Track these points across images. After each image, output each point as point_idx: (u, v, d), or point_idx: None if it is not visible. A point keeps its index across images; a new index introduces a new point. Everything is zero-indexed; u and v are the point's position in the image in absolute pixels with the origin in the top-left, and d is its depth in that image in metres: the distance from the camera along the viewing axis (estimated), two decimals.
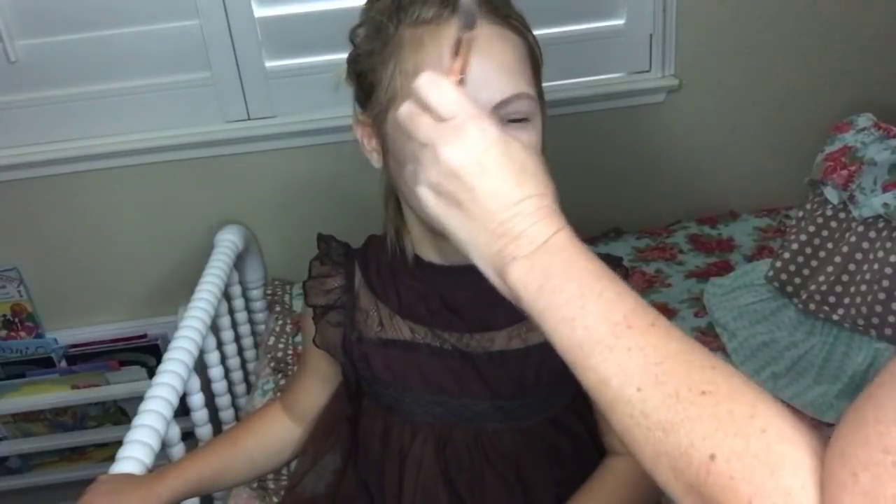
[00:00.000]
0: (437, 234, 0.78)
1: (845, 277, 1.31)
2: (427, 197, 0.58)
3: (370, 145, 0.80)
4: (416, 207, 0.65)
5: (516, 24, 0.75)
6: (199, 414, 1.27)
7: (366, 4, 0.78)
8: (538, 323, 0.55)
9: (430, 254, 0.82)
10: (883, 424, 0.42)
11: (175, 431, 1.09)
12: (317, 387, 0.96)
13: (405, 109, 0.59)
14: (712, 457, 0.46)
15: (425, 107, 0.57)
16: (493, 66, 0.70)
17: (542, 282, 0.54)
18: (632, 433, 0.50)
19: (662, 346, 0.50)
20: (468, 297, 0.81)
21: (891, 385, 0.43)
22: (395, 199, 0.83)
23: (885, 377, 0.44)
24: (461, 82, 0.60)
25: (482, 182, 0.55)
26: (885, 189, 1.30)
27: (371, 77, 0.76)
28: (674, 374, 0.49)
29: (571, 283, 0.53)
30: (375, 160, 0.80)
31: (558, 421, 0.86)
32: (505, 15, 0.74)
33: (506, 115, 0.71)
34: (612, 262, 0.83)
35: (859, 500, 0.42)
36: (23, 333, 1.80)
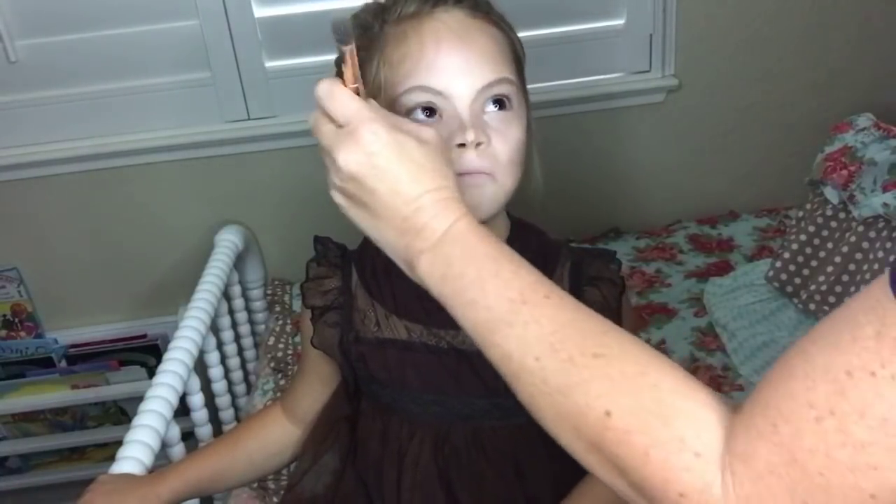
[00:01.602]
0: None
1: (845, 277, 1.31)
2: (338, 199, 0.62)
3: None
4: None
5: (496, 20, 0.77)
6: (199, 414, 1.27)
7: (354, 14, 0.79)
8: (448, 310, 0.59)
9: None
10: (811, 379, 0.43)
11: (175, 431, 1.09)
12: (316, 388, 0.96)
13: (312, 117, 0.62)
14: (607, 413, 0.49)
15: (327, 114, 0.60)
16: (476, 54, 0.73)
17: (444, 270, 0.57)
18: (535, 401, 0.53)
19: (556, 316, 0.54)
20: None
21: (823, 342, 0.44)
22: None
23: (819, 332, 0.45)
24: (358, 91, 0.62)
25: (380, 183, 0.58)
26: (885, 189, 1.30)
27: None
28: (567, 340, 0.52)
29: (470, 267, 0.56)
30: None
31: None
32: (485, 11, 0.76)
33: (489, 98, 0.73)
34: (606, 257, 0.84)
35: (775, 451, 0.44)
36: (23, 333, 1.80)
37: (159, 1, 1.53)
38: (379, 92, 0.74)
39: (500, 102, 0.74)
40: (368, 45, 0.76)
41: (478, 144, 0.71)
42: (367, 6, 0.78)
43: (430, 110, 0.73)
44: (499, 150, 0.73)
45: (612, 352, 0.51)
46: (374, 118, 0.59)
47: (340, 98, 0.60)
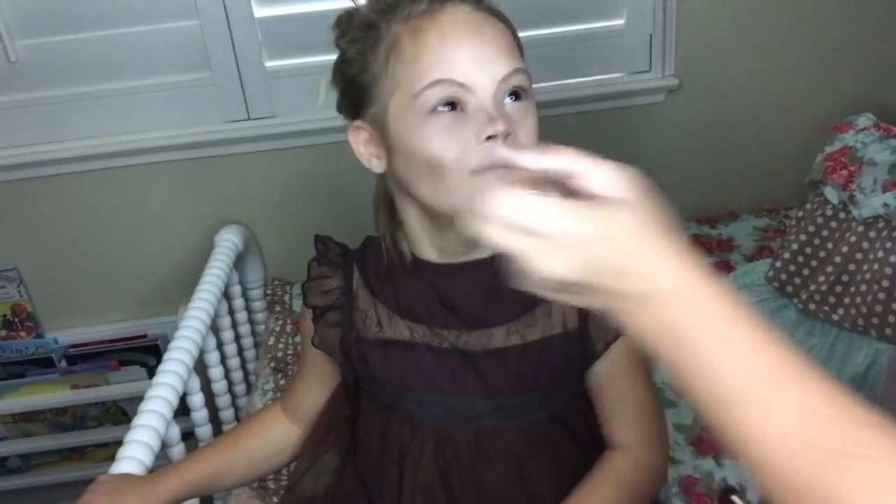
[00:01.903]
0: (442, 228, 0.78)
1: (845, 277, 1.31)
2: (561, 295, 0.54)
3: (367, 151, 0.79)
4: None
5: (500, 15, 0.77)
6: (199, 414, 1.27)
7: (343, 16, 0.78)
8: (675, 375, 0.51)
9: (428, 252, 0.82)
10: None
11: (175, 431, 1.09)
12: (316, 388, 0.96)
13: (497, 235, 0.52)
14: None
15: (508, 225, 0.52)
16: (492, 46, 0.73)
17: (678, 334, 0.50)
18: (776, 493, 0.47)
19: (812, 401, 0.47)
20: (466, 294, 0.81)
21: None
22: (389, 202, 0.83)
23: None
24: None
25: (603, 275, 0.51)
26: (885, 189, 1.30)
27: (365, 77, 0.76)
28: (826, 433, 0.45)
29: (711, 333, 0.49)
30: (376, 165, 0.79)
31: (558, 418, 0.86)
32: (487, 5, 0.76)
33: (508, 89, 0.73)
34: None
35: None
36: (23, 333, 1.80)
37: (159, 1, 1.53)
38: (396, 90, 0.73)
39: (516, 94, 0.74)
40: (375, 45, 0.74)
41: (506, 136, 0.70)
42: (368, 4, 0.77)
43: (453, 104, 0.71)
44: (522, 140, 0.72)
45: (876, 453, 0.44)
46: (579, 217, 0.51)
47: (537, 206, 0.51)
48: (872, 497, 0.43)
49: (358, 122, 0.78)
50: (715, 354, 0.49)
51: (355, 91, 0.77)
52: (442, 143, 0.71)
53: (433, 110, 0.71)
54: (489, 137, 0.70)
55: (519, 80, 0.74)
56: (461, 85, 0.71)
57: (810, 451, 0.45)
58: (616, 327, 0.79)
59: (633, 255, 0.51)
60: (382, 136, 0.76)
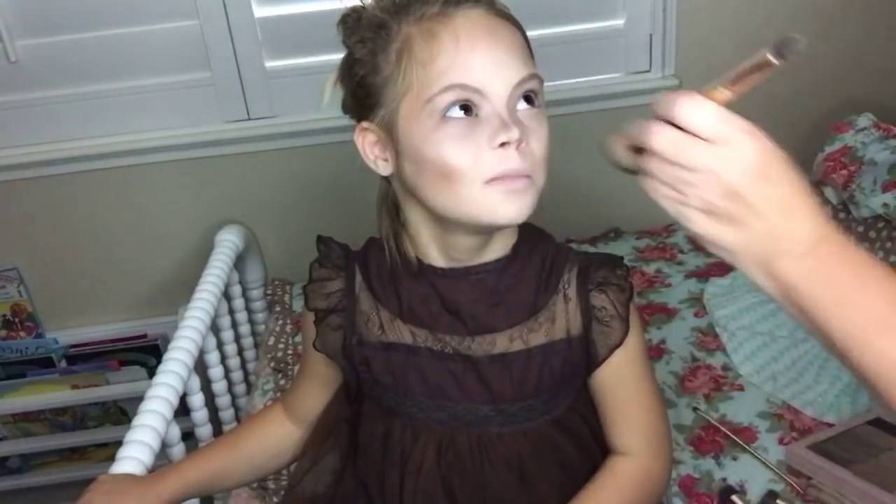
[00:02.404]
0: (449, 233, 0.78)
1: None
2: (698, 219, 0.58)
3: (373, 153, 0.78)
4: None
5: (513, 18, 0.76)
6: (199, 414, 1.27)
7: (350, 14, 0.77)
8: (809, 313, 0.56)
9: (432, 257, 0.82)
10: None
11: (175, 431, 1.09)
12: (317, 390, 0.95)
13: (665, 136, 0.57)
14: None
15: (686, 130, 0.57)
16: (506, 50, 0.72)
17: (819, 270, 0.56)
18: None
19: None
20: (469, 299, 0.81)
21: None
22: (393, 204, 0.82)
23: None
24: (726, 103, 0.59)
25: (764, 196, 0.56)
26: (884, 189, 1.30)
27: (375, 78, 0.74)
28: None
29: (849, 269, 0.56)
30: (383, 168, 0.78)
31: (560, 422, 0.86)
32: (500, 8, 0.76)
33: (522, 93, 0.73)
34: (613, 262, 0.83)
35: None
36: (23, 333, 1.80)
37: (159, 1, 1.53)
38: (408, 93, 0.72)
39: (529, 99, 0.73)
40: (385, 44, 0.73)
41: (519, 143, 0.70)
42: (377, 4, 0.75)
43: (466, 108, 0.71)
44: (535, 148, 0.72)
45: None
46: (752, 128, 0.57)
47: (714, 112, 0.57)
48: None
49: (365, 124, 0.77)
50: (858, 289, 0.55)
51: (364, 92, 0.76)
52: (454, 149, 0.70)
53: (446, 115, 0.71)
54: (502, 144, 0.70)
55: (532, 85, 0.73)
56: (476, 90, 0.70)
57: None
58: (619, 332, 0.80)
59: (793, 193, 0.57)
60: (391, 139, 0.75)
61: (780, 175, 0.57)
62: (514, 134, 0.69)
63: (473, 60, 0.70)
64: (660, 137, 0.58)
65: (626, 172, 0.64)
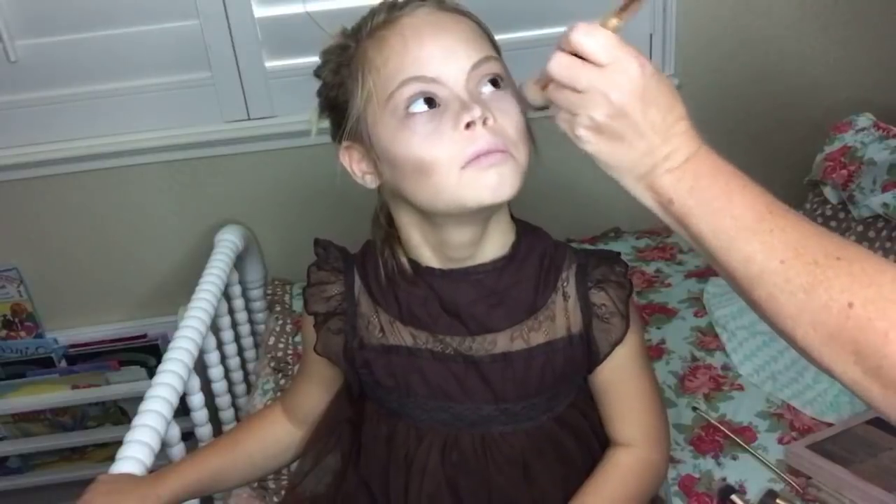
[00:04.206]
0: (441, 233, 0.78)
1: None
2: (587, 136, 0.64)
3: (360, 169, 0.80)
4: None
5: (466, 12, 0.78)
6: (199, 414, 1.27)
7: (324, 51, 0.80)
8: (687, 221, 0.63)
9: (428, 257, 0.82)
10: None
11: (175, 431, 1.09)
12: (317, 391, 0.96)
13: (559, 61, 0.63)
14: (850, 304, 0.55)
15: (579, 56, 0.62)
16: (456, 38, 0.73)
17: (692, 183, 0.63)
18: (776, 299, 0.59)
19: (798, 226, 0.60)
20: (468, 300, 0.81)
21: None
22: (386, 215, 0.83)
23: None
24: (615, 31, 0.64)
25: (645, 115, 0.62)
26: (884, 189, 1.30)
27: (342, 95, 0.77)
28: (811, 246, 0.59)
29: (719, 181, 0.62)
30: (370, 181, 0.80)
31: (562, 419, 0.87)
32: (452, 5, 0.77)
33: (483, 77, 0.73)
34: (611, 259, 0.84)
35: None
36: (23, 333, 1.80)
37: (159, 1, 1.53)
38: (370, 99, 0.74)
39: (494, 82, 0.74)
40: (348, 62, 0.76)
41: (485, 121, 0.70)
42: (336, 34, 0.79)
43: (428, 101, 0.72)
44: (505, 125, 0.72)
45: (851, 255, 0.58)
46: (637, 52, 0.62)
47: (602, 37, 0.62)
48: (850, 281, 0.56)
49: (346, 143, 0.79)
50: (726, 200, 0.61)
51: (338, 112, 0.78)
52: (423, 143, 0.71)
53: (408, 110, 0.72)
54: (468, 125, 0.70)
55: (492, 68, 0.74)
56: (431, 79, 0.71)
57: (800, 257, 0.58)
58: (620, 329, 0.80)
59: (673, 116, 0.63)
60: (366, 149, 0.77)
61: (661, 99, 0.63)
62: (475, 112, 0.70)
63: (423, 52, 0.72)
64: (553, 63, 0.64)
65: (541, 110, 0.69)
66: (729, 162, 0.64)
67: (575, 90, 0.62)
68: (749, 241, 0.60)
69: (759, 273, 0.60)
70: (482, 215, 0.77)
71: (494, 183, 0.71)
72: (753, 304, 0.62)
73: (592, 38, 0.62)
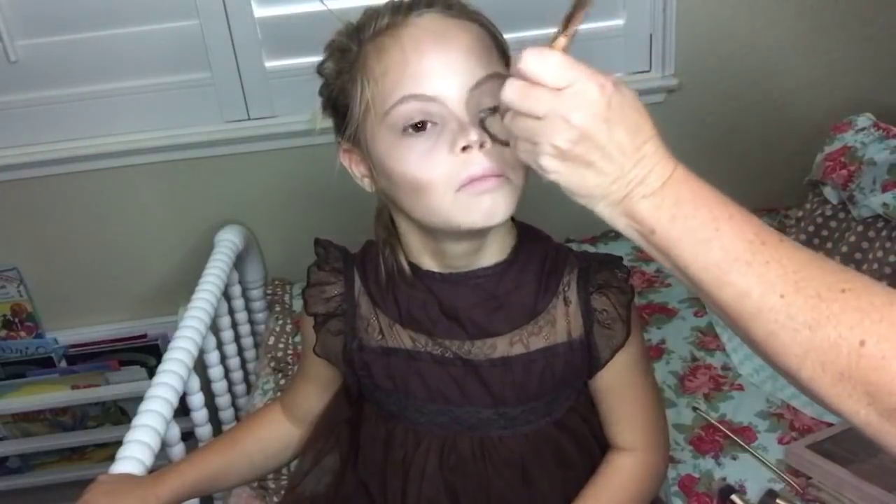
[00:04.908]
0: (438, 241, 0.78)
1: None
2: (552, 165, 0.59)
3: (359, 171, 0.80)
4: (533, 163, 0.63)
5: (474, 16, 0.75)
6: (199, 414, 1.27)
7: (327, 44, 0.79)
8: (671, 252, 0.58)
9: (428, 262, 0.82)
10: None
11: (175, 431, 1.09)
12: (316, 391, 0.95)
13: (513, 89, 0.59)
14: (862, 343, 0.51)
15: (533, 82, 0.58)
16: (460, 52, 0.71)
17: (673, 211, 0.58)
18: (777, 337, 0.54)
19: (795, 255, 0.56)
20: (468, 304, 0.81)
21: None
22: (389, 216, 0.83)
23: None
24: (566, 49, 0.60)
25: (611, 137, 0.57)
26: (884, 189, 1.30)
27: (343, 98, 0.76)
28: (812, 278, 0.54)
29: (702, 209, 0.58)
30: (368, 185, 0.80)
31: (562, 423, 0.86)
32: (459, 9, 0.75)
33: (483, 101, 0.69)
34: (613, 263, 0.83)
35: None
36: (23, 333, 1.80)
37: (159, 1, 1.53)
38: (368, 110, 0.73)
39: (495, 108, 0.70)
40: (350, 66, 0.75)
41: (482, 145, 0.69)
42: (341, 30, 0.77)
43: (423, 123, 0.70)
44: (504, 148, 0.69)
45: (856, 286, 0.54)
46: (594, 71, 0.58)
47: (555, 60, 0.57)
48: (860, 316, 0.52)
49: (346, 145, 0.79)
50: (712, 229, 0.57)
51: (339, 113, 0.78)
52: (419, 163, 0.70)
53: (405, 129, 0.70)
54: (464, 148, 0.69)
55: (494, 87, 0.68)
56: (430, 98, 0.69)
57: (801, 291, 0.54)
58: (621, 334, 0.80)
59: (641, 136, 0.58)
60: (363, 155, 0.77)
61: (627, 118, 0.58)
62: (472, 136, 0.68)
63: (423, 68, 0.70)
64: (506, 90, 0.59)
65: (505, 146, 0.66)
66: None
67: (534, 117, 0.58)
68: (743, 273, 0.56)
69: (757, 310, 0.55)
70: (478, 234, 0.76)
71: (487, 208, 0.70)
72: (751, 342, 0.57)
73: (544, 61, 0.57)
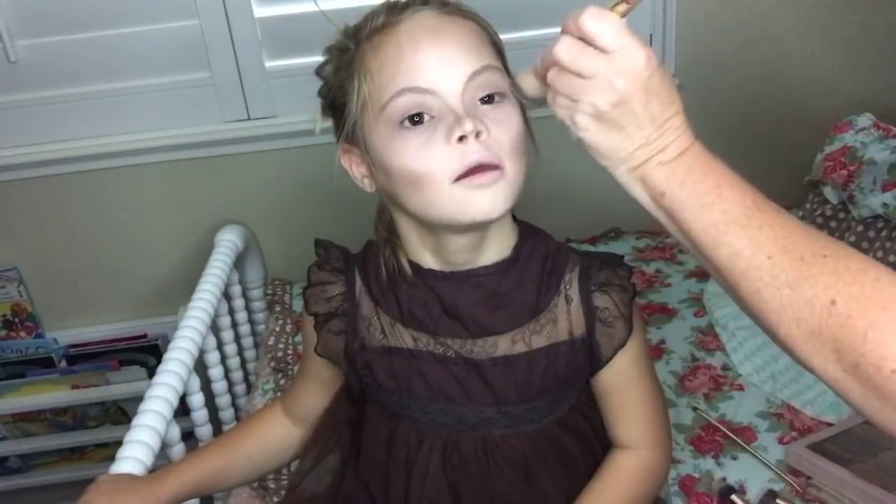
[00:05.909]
0: (438, 238, 0.78)
1: None
2: (586, 123, 0.63)
3: (359, 172, 0.80)
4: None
5: (469, 15, 0.76)
6: (199, 414, 1.27)
7: (327, 48, 0.80)
8: (676, 214, 0.63)
9: (429, 261, 0.82)
10: None
11: (175, 431, 1.09)
12: (317, 391, 0.95)
13: (566, 45, 0.62)
14: (832, 302, 0.56)
15: (588, 39, 0.61)
16: (455, 45, 0.72)
17: (684, 177, 0.63)
18: (761, 294, 0.59)
19: (787, 223, 0.61)
20: (469, 302, 0.81)
21: None
22: (389, 217, 0.83)
23: None
24: (623, 15, 0.63)
25: (646, 106, 0.62)
26: (884, 189, 1.30)
27: (341, 96, 0.77)
28: (799, 243, 0.59)
29: (709, 176, 0.63)
30: (368, 185, 0.80)
31: (564, 422, 0.86)
32: (455, 6, 0.76)
33: (479, 92, 0.72)
34: (614, 262, 0.83)
35: None
36: (23, 333, 1.80)
37: (159, 1, 1.53)
38: (366, 106, 0.74)
39: (491, 97, 0.73)
40: (348, 65, 0.76)
41: (478, 134, 0.69)
42: (341, 32, 0.78)
43: (419, 115, 0.71)
44: (500, 137, 0.71)
45: (838, 253, 0.58)
46: (644, 44, 0.61)
47: (615, 24, 0.61)
48: (835, 278, 0.56)
49: (346, 145, 0.79)
50: (715, 194, 0.61)
51: (336, 113, 0.79)
52: (416, 155, 0.71)
53: (402, 122, 0.71)
54: (460, 139, 0.69)
55: (489, 79, 0.72)
56: (426, 90, 0.70)
57: (788, 254, 0.58)
58: (623, 333, 0.80)
59: (671, 109, 0.63)
60: (362, 153, 0.77)
61: (663, 91, 0.62)
62: (467, 126, 0.69)
63: (418, 61, 0.71)
64: (560, 45, 0.63)
65: (534, 103, 0.69)
66: (727, 161, 0.64)
67: (579, 75, 0.61)
68: (738, 236, 0.60)
69: (746, 268, 0.60)
70: (477, 227, 0.76)
71: (484, 203, 0.71)
72: (739, 299, 0.62)
73: (603, 22, 0.61)
